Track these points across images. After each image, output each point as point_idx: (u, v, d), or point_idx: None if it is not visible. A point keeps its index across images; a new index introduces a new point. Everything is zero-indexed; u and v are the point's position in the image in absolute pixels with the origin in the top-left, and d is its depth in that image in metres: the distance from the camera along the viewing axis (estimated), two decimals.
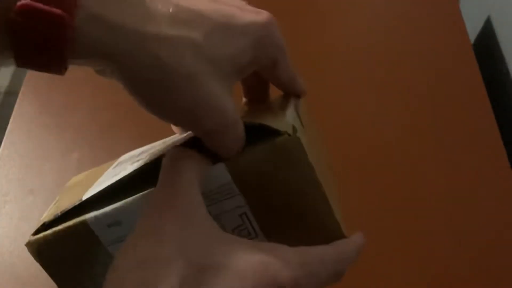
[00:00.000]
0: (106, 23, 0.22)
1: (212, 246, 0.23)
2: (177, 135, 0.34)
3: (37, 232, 0.30)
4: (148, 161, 0.29)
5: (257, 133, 0.28)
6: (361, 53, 0.70)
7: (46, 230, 0.30)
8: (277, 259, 0.24)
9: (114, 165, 0.35)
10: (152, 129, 0.65)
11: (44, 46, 0.21)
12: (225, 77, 0.26)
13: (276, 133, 0.27)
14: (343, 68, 0.69)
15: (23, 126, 0.66)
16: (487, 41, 0.78)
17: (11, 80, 1.81)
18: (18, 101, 0.68)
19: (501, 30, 0.73)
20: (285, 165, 0.27)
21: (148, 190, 0.28)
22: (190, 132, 0.31)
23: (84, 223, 0.29)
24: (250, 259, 0.23)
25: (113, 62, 0.23)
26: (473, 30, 0.82)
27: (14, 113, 0.67)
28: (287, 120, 0.28)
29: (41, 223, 0.30)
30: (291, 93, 0.33)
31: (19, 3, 0.20)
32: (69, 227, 0.29)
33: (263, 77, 0.32)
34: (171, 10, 0.24)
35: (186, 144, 0.29)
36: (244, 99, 0.35)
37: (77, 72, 0.70)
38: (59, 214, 0.30)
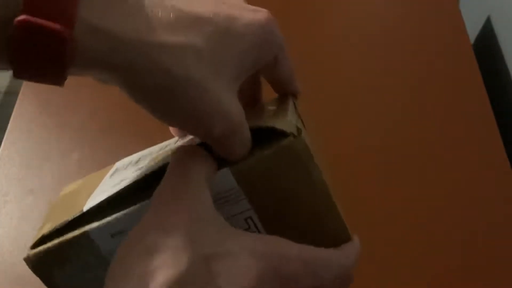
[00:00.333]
0: (107, 34, 0.22)
1: (219, 237, 0.23)
2: (175, 139, 0.34)
3: (35, 245, 0.30)
4: (148, 172, 0.28)
5: (262, 135, 0.28)
6: (361, 53, 0.70)
7: (44, 242, 0.29)
8: (282, 252, 0.25)
9: (111, 172, 0.34)
10: (152, 129, 0.64)
11: (43, 60, 0.21)
12: (230, 80, 0.26)
13: (281, 134, 0.27)
14: (342, 68, 0.69)
15: (23, 126, 0.66)
16: (487, 41, 0.78)
17: (11, 80, 1.81)
18: (18, 101, 0.68)
19: (501, 30, 0.73)
20: (291, 168, 0.27)
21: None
22: (191, 137, 0.31)
23: (85, 235, 0.28)
24: (256, 250, 0.24)
25: (115, 72, 0.23)
26: (473, 30, 0.82)
27: (14, 113, 0.67)
28: (289, 120, 0.28)
29: (39, 235, 0.30)
30: (288, 92, 0.33)
31: (17, 19, 0.20)
32: (69, 240, 0.28)
33: (258, 78, 0.32)
34: (172, 16, 0.24)
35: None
36: None
37: None
38: (59, 226, 0.29)
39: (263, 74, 0.31)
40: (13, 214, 0.59)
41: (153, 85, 0.23)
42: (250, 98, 0.34)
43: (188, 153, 0.26)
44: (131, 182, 0.29)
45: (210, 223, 0.24)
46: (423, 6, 0.75)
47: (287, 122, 0.28)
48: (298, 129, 0.27)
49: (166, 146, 0.33)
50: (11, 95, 1.77)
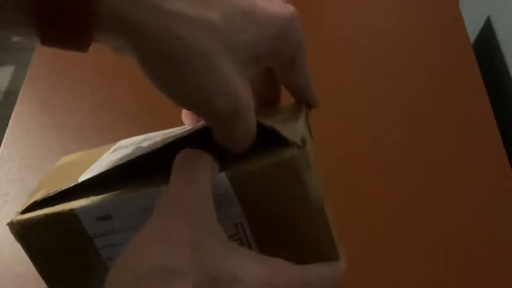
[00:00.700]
0: None
1: (224, 256, 0.23)
2: (180, 128, 0.33)
3: (25, 211, 0.29)
4: (147, 153, 0.28)
5: (266, 138, 0.27)
6: (360, 53, 0.70)
7: (35, 208, 0.29)
8: (286, 277, 0.25)
9: (112, 149, 0.34)
10: (152, 129, 0.65)
11: (70, 20, 0.22)
12: (242, 64, 0.25)
13: (284, 141, 0.26)
14: (341, 68, 0.69)
15: (23, 126, 0.66)
16: (487, 41, 0.78)
17: (11, 80, 1.81)
18: (18, 101, 0.68)
19: (501, 30, 0.73)
20: (288, 183, 0.27)
21: (148, 189, 0.27)
22: (198, 124, 0.31)
23: (72, 212, 0.28)
24: (262, 276, 0.23)
25: (131, 35, 0.23)
26: (473, 30, 0.82)
27: (14, 113, 0.67)
28: (297, 128, 0.28)
29: (31, 200, 0.29)
30: (303, 100, 0.32)
31: None
32: (56, 213, 0.28)
33: (276, 80, 0.32)
34: None
35: (193, 138, 0.28)
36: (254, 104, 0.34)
37: (77, 72, 0.70)
38: (52, 194, 0.29)
39: (280, 76, 0.31)
40: (13, 214, 0.58)
41: (165, 52, 0.23)
42: (267, 101, 0.34)
43: (194, 157, 0.25)
44: (129, 160, 0.28)
45: (214, 237, 0.23)
46: (423, 6, 0.75)
47: (294, 130, 0.27)
48: (303, 140, 0.27)
49: (172, 132, 0.32)
50: (11, 95, 1.77)
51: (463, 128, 0.62)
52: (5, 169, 0.62)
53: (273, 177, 0.26)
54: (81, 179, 0.29)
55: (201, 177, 0.24)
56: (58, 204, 0.29)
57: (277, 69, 0.30)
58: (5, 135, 0.65)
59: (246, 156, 0.28)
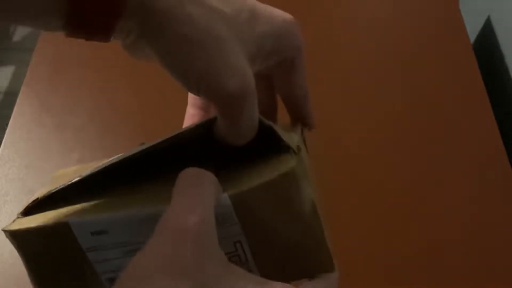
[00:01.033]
0: None
1: (226, 282, 0.23)
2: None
3: (25, 212, 0.29)
4: (145, 150, 0.28)
5: (260, 145, 0.27)
6: (360, 53, 0.70)
7: (35, 211, 0.29)
8: None
9: (110, 159, 0.34)
10: (153, 129, 0.65)
11: (100, 6, 0.23)
12: (248, 57, 0.27)
13: (281, 148, 0.27)
14: (341, 68, 0.69)
15: (23, 126, 0.66)
16: (487, 41, 0.78)
17: (11, 80, 1.81)
18: (18, 101, 0.68)
19: (501, 30, 0.73)
20: (287, 194, 0.27)
21: (148, 208, 0.27)
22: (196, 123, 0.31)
23: (66, 225, 0.28)
24: None
25: (153, 20, 0.24)
26: (473, 30, 0.82)
27: (14, 113, 0.67)
28: (293, 137, 0.28)
29: (30, 201, 0.29)
30: (300, 117, 0.33)
31: None
32: (50, 226, 0.28)
33: (274, 95, 0.33)
34: None
35: (192, 139, 0.28)
36: None
37: (77, 72, 0.70)
38: (53, 191, 0.29)
39: (278, 83, 0.32)
40: (13, 214, 0.58)
41: (183, 33, 0.25)
42: (263, 115, 0.34)
43: (198, 179, 0.25)
44: (126, 157, 0.28)
45: (215, 263, 0.23)
46: (423, 6, 0.75)
47: (290, 137, 0.28)
48: (298, 148, 0.27)
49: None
50: (11, 95, 1.77)
51: (463, 128, 0.62)
52: (5, 169, 0.62)
53: (274, 191, 0.26)
54: (85, 173, 0.29)
55: (205, 202, 0.24)
56: (51, 208, 0.29)
57: (277, 73, 0.31)
58: (5, 135, 0.65)
59: (244, 169, 0.28)
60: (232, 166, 0.29)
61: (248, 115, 0.27)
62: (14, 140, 0.65)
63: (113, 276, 0.29)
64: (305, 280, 0.29)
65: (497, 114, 0.64)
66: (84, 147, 0.63)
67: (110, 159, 0.33)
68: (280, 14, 0.29)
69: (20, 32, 1.90)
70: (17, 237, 0.29)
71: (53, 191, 0.29)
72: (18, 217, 0.30)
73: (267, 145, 0.28)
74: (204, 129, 0.29)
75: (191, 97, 0.33)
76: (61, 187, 0.29)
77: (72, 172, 0.34)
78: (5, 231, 0.29)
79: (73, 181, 0.29)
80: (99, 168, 0.29)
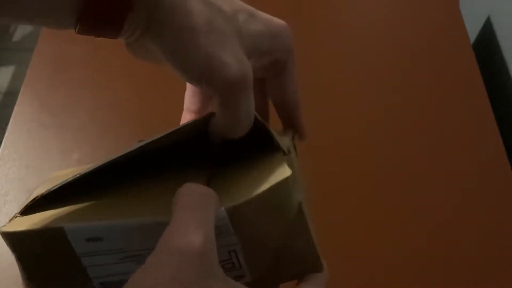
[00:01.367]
0: None
1: None
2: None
3: (23, 211, 0.30)
4: (145, 144, 0.28)
5: (256, 141, 0.28)
6: (360, 54, 0.70)
7: (32, 211, 0.29)
8: None
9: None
10: (152, 129, 0.65)
11: (111, 1, 0.24)
12: (246, 51, 0.28)
13: (273, 148, 0.27)
14: (341, 68, 0.69)
15: (23, 126, 0.66)
16: (487, 41, 0.78)
17: (11, 80, 1.81)
18: (18, 101, 0.68)
19: (501, 30, 0.73)
20: (281, 202, 0.27)
21: (145, 217, 0.27)
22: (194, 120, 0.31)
23: (61, 230, 0.28)
24: None
25: (158, 12, 0.25)
26: (473, 30, 0.82)
27: (14, 113, 0.67)
28: (284, 140, 0.29)
29: (26, 202, 0.29)
30: (291, 123, 0.34)
31: None
32: (45, 229, 0.28)
33: (265, 102, 0.35)
34: None
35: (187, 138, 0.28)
36: None
37: (77, 72, 0.70)
38: (52, 189, 0.29)
39: (271, 85, 0.33)
40: (13, 214, 0.59)
41: (186, 23, 0.26)
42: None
43: (199, 197, 0.25)
44: (124, 154, 0.29)
45: (217, 279, 0.23)
46: (423, 6, 0.75)
47: (281, 139, 0.29)
48: (288, 151, 0.28)
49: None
50: (11, 95, 1.77)
51: (463, 128, 0.62)
52: (5, 169, 0.62)
53: (268, 201, 0.27)
54: (84, 171, 0.29)
55: (208, 221, 0.24)
56: (46, 208, 0.29)
57: (270, 76, 0.33)
58: (5, 135, 0.65)
59: (237, 174, 0.28)
60: (226, 166, 0.30)
61: (245, 105, 0.28)
62: (14, 140, 0.65)
63: (105, 281, 0.29)
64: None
65: (497, 114, 0.64)
66: (84, 147, 0.63)
67: (107, 157, 0.33)
68: (275, 19, 0.31)
69: (20, 32, 1.90)
70: (11, 238, 0.29)
71: (51, 189, 0.29)
72: (16, 216, 0.30)
73: (260, 144, 0.29)
74: (201, 124, 0.29)
75: (187, 102, 0.34)
76: (58, 185, 0.29)
77: (69, 173, 0.34)
78: (1, 232, 0.29)
79: (71, 179, 0.29)
80: (95, 166, 0.29)
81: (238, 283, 0.25)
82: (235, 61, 0.27)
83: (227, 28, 0.27)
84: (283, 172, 0.27)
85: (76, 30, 0.25)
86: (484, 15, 0.78)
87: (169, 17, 0.26)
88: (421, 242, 0.54)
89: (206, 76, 0.27)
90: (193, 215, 0.24)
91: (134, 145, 0.30)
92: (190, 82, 0.28)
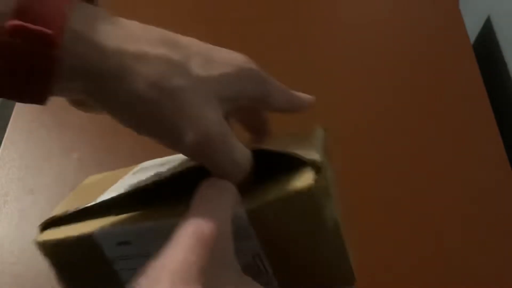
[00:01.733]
0: (90, 42, 0.22)
1: None
2: None
3: (45, 226, 0.31)
4: (168, 175, 0.28)
5: (283, 163, 0.27)
6: (360, 54, 0.70)
7: (54, 225, 0.30)
8: None
9: (134, 170, 0.35)
10: None
11: (32, 67, 0.21)
12: (211, 98, 0.26)
13: (299, 164, 0.27)
14: (341, 68, 0.69)
15: (23, 126, 0.66)
16: (487, 41, 0.78)
17: None
18: None
19: (501, 30, 0.73)
20: (305, 210, 0.27)
21: (169, 218, 0.28)
22: None
23: (90, 236, 0.29)
24: None
25: (95, 82, 0.23)
26: (473, 30, 0.82)
27: (14, 113, 0.67)
28: (311, 152, 0.28)
29: (51, 214, 0.31)
30: (295, 112, 0.33)
31: (9, 23, 0.20)
32: (77, 236, 0.29)
33: (260, 114, 0.33)
34: (155, 33, 0.25)
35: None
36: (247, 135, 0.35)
37: None
38: (70, 212, 0.30)
39: (265, 109, 0.31)
40: (13, 214, 0.59)
41: (135, 94, 0.24)
42: (254, 129, 0.35)
43: (217, 189, 0.25)
44: (147, 183, 0.29)
45: (228, 271, 0.23)
46: (423, 6, 0.75)
47: (308, 152, 0.28)
48: (318, 163, 0.27)
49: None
50: None
51: (463, 128, 0.62)
52: (5, 169, 0.62)
53: (291, 207, 0.26)
54: (99, 199, 0.30)
55: (222, 211, 0.24)
56: (77, 221, 0.30)
57: (258, 105, 0.30)
58: (5, 135, 0.65)
59: (263, 184, 0.28)
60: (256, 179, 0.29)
61: (223, 157, 0.26)
62: (14, 140, 0.65)
63: None
64: None
65: (497, 114, 0.64)
66: (84, 147, 0.63)
67: (133, 171, 0.34)
68: (233, 54, 0.28)
69: None
70: (45, 247, 0.30)
71: (81, 208, 0.30)
72: (47, 228, 0.31)
73: (287, 166, 0.28)
74: None
75: None
76: (87, 205, 0.30)
77: (100, 180, 0.35)
78: (37, 243, 0.30)
79: (89, 204, 0.30)
80: (124, 191, 0.29)
81: (257, 284, 0.24)
82: (190, 124, 0.25)
83: (181, 83, 0.24)
84: (308, 181, 0.26)
85: None
86: (484, 15, 0.78)
87: (114, 85, 0.23)
88: (420, 242, 0.54)
89: (165, 143, 0.26)
90: (205, 205, 0.24)
91: (155, 172, 0.30)
92: None
